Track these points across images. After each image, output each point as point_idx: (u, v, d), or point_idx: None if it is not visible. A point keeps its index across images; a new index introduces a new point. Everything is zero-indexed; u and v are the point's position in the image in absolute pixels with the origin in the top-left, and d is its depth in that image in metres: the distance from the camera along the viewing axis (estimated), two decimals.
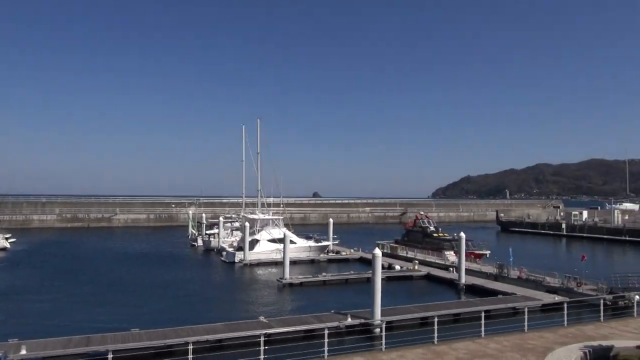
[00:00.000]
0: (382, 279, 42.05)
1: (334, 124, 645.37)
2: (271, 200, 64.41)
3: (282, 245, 42.68)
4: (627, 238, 74.63)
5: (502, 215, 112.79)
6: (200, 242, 66.58)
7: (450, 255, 48.68)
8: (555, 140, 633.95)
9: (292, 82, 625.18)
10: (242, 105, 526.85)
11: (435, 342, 16.06)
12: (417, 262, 46.32)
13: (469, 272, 41.43)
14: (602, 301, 20.21)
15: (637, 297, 28.79)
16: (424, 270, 44.46)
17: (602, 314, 19.76)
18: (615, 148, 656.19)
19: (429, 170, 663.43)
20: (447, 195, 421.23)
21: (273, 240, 53.15)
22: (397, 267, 45.98)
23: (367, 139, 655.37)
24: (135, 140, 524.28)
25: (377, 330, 25.86)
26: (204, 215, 75.54)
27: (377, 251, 26.05)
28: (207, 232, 68.40)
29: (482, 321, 17.48)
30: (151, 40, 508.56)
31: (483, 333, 17.09)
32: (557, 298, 31.35)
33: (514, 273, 39.60)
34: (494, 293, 34.63)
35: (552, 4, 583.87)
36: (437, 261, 48.57)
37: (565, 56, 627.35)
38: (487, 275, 41.09)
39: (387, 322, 25.87)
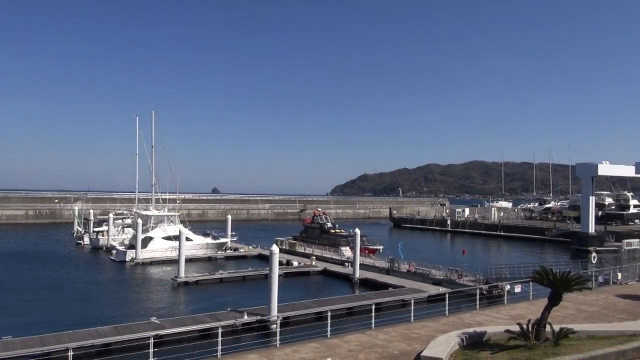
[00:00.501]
0: (280, 275, 42.27)
1: (237, 120, 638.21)
2: (167, 196, 61.85)
3: (177, 242, 41.25)
4: (502, 233, 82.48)
5: (394, 212, 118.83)
6: (87, 240, 62.07)
7: (346, 251, 50.31)
8: (443, 142, 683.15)
9: (191, 73, 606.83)
10: (137, 95, 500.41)
11: (329, 336, 16.55)
12: (314, 258, 47.26)
13: (363, 266, 43.13)
14: (478, 291, 22.14)
15: (507, 286, 32.01)
16: (321, 265, 45.50)
17: (477, 303, 21.70)
18: (493, 151, 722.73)
19: (328, 169, 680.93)
20: (345, 192, 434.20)
21: (168, 238, 51.15)
22: (295, 263, 46.56)
23: (267, 136, 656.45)
24: (9, 128, 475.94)
25: (274, 326, 26.04)
26: (91, 211, 70.47)
27: (275, 248, 26.20)
28: (95, 229, 63.95)
29: (373, 314, 18.35)
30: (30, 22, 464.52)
31: (373, 325, 17.94)
32: (440, 289, 33.73)
33: (404, 267, 41.96)
34: (385, 286, 36.37)
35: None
36: (333, 257, 49.97)
37: (454, 66, 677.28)
38: (379, 270, 43.09)
39: (284, 318, 26.10)
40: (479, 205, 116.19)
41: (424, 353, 13.73)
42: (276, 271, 25.87)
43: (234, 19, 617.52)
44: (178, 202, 64.27)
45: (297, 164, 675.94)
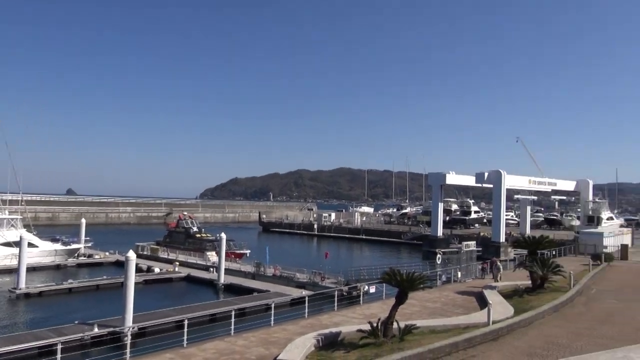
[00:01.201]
0: (139, 283, 39.98)
1: (99, 115, 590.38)
2: (8, 197, 54.84)
3: (17, 249, 36.76)
4: (364, 237, 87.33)
5: (264, 216, 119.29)
6: None
7: (212, 256, 49.21)
8: (313, 148, 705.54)
9: (47, 67, 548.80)
10: None
11: (185, 345, 15.95)
12: (177, 263, 45.45)
13: (229, 271, 42.51)
14: (336, 292, 23.08)
15: (366, 287, 33.88)
16: (185, 271, 43.89)
17: (336, 304, 22.63)
18: (359, 159, 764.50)
19: (199, 172, 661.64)
20: (216, 196, 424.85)
21: (7, 244, 45.32)
22: (157, 270, 44.33)
23: (140, 138, 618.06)
24: None
25: (127, 338, 24.43)
26: None
27: (131, 254, 24.66)
28: None
29: (233, 319, 18.11)
30: None
31: (233, 331, 17.71)
32: (303, 292, 34.50)
33: (270, 271, 42.26)
34: (250, 291, 36.27)
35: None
36: (198, 262, 48.52)
37: (318, 80, 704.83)
38: (245, 274, 42.85)
39: (139, 329, 24.63)
40: (344, 210, 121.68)
41: (280, 357, 13.90)
42: (132, 278, 24.35)
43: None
44: (22, 203, 57.37)
45: (167, 167, 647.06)
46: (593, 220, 61.80)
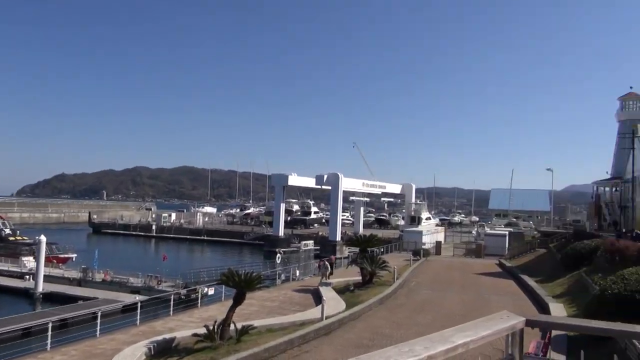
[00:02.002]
0: None
1: None
2: None
3: None
4: (206, 237, 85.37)
5: (95, 216, 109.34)
6: None
7: (29, 262, 43.48)
8: (153, 145, 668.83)
9: None
10: None
11: None
12: None
13: (50, 278, 38.05)
14: (172, 296, 22.10)
15: (205, 289, 33.09)
16: None
17: (172, 308, 21.67)
18: (203, 158, 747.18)
19: (16, 165, 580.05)
20: (37, 194, 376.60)
21: None
22: None
23: None
24: None
25: None
26: None
27: None
28: None
29: (49, 333, 16.16)
30: None
31: (49, 346, 15.81)
32: (137, 298, 32.43)
33: (99, 276, 38.83)
34: (75, 299, 32.89)
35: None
36: (11, 269, 42.44)
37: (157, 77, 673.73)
38: (70, 281, 38.74)
39: None
40: (185, 210, 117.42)
41: None
42: None
43: None
44: None
45: None
46: (415, 220, 69.13)
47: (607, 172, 58.39)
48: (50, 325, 16.45)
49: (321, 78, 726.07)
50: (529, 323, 2.73)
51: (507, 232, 54.89)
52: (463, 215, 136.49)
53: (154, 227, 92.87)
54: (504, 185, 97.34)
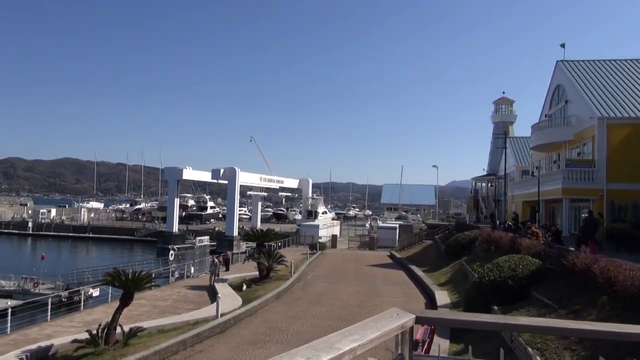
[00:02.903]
0: None
1: None
2: None
3: None
4: (91, 235, 79.40)
5: None
6: None
7: None
8: (28, 134, 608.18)
9: None
10: None
11: None
12: None
13: None
14: (50, 300, 20.16)
15: (90, 290, 30.75)
16: None
17: (49, 313, 19.75)
18: (87, 150, 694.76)
19: None
20: None
21: None
22: None
23: None
24: None
25: None
26: None
27: None
28: None
29: None
30: None
31: None
32: (9, 302, 29.24)
33: None
34: None
35: None
36: None
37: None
38: None
39: None
40: (66, 206, 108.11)
41: None
42: None
43: None
44: None
45: None
46: (311, 214, 70.33)
47: (483, 169, 64.06)
48: None
49: (217, 68, 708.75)
50: (419, 320, 2.76)
51: (397, 225, 57.84)
52: (357, 210, 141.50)
53: (30, 224, 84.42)
54: (394, 181, 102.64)
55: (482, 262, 22.62)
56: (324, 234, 56.46)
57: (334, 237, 54.89)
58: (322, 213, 73.04)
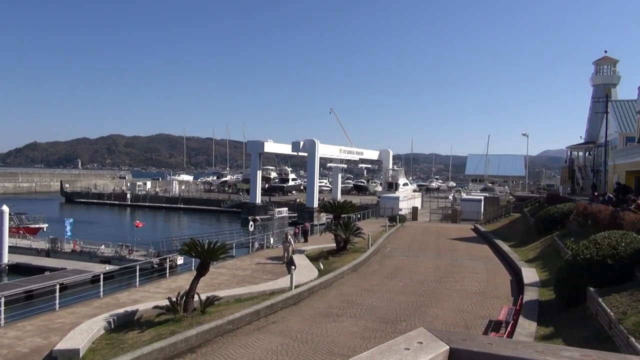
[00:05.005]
0: None
1: None
2: None
3: None
4: (182, 205, 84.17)
5: (67, 185, 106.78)
6: None
7: None
8: (128, 112, 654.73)
9: None
10: None
11: None
12: None
13: (16, 250, 36.92)
14: (138, 267, 21.30)
15: (179, 258, 32.42)
16: None
17: (137, 279, 20.92)
18: (179, 125, 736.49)
19: None
20: (9, 163, 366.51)
21: None
22: None
23: None
24: None
25: None
26: None
27: None
28: None
29: (2, 308, 15.32)
30: None
31: (2, 322, 15.00)
32: (108, 267, 31.62)
33: (69, 247, 37.78)
34: (42, 270, 31.91)
35: None
36: None
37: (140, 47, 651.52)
38: (38, 252, 37.62)
39: None
40: (160, 179, 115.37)
41: (58, 346, 12.12)
42: None
43: None
44: None
45: None
46: (392, 186, 69.02)
47: (580, 137, 58.83)
48: (2, 300, 15.55)
49: (297, 43, 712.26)
50: (454, 353, 1.75)
51: (482, 197, 55.15)
52: (441, 181, 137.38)
53: (128, 195, 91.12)
54: (480, 151, 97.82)
55: (576, 237, 20.67)
56: (405, 206, 55.23)
57: (414, 209, 53.54)
58: (403, 185, 71.43)
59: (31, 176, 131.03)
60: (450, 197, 73.60)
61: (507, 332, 12.08)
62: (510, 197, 66.48)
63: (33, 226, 47.54)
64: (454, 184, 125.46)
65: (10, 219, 40.32)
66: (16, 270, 33.56)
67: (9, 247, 34.74)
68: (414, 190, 75.85)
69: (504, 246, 29.29)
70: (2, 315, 15.18)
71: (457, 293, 18.20)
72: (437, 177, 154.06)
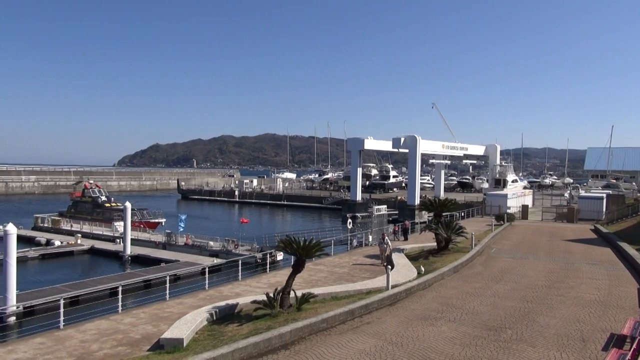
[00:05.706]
0: (35, 258, 36.96)
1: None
2: None
3: None
4: (285, 202, 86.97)
5: (183, 183, 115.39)
6: None
7: (121, 226, 46.52)
8: (236, 114, 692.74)
9: None
10: None
11: (61, 327, 14.44)
12: (79, 235, 42.41)
13: (137, 242, 40.49)
14: (240, 261, 22.12)
15: (278, 254, 33.31)
16: (88, 244, 41.11)
17: (240, 273, 21.74)
18: (283, 125, 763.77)
19: (116, 138, 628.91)
20: (135, 163, 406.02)
21: None
22: (57, 243, 41.19)
23: (47, 102, 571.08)
24: None
25: (12, 319, 22.36)
26: None
27: (11, 227, 22.14)
28: None
29: (120, 295, 16.74)
30: None
31: (120, 308, 16.38)
32: (215, 261, 33.50)
33: (182, 240, 40.62)
34: (158, 262, 34.64)
35: None
36: (105, 233, 45.70)
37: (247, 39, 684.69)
38: (155, 244, 40.94)
39: (26, 308, 22.69)
40: (265, 177, 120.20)
41: (164, 335, 12.87)
42: (13, 255, 21.96)
43: None
44: None
45: (81, 134, 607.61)
46: (499, 182, 65.20)
47: None
48: (120, 288, 17.00)
49: (395, 38, 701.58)
50: None
51: (604, 195, 50.00)
52: (555, 177, 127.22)
53: (236, 192, 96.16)
54: (601, 144, 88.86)
55: None
56: (513, 204, 51.85)
57: (524, 207, 50.00)
58: (512, 181, 67.18)
59: (153, 175, 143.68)
60: (566, 195, 67.74)
61: (632, 349, 10.60)
62: (639, 194, 59.56)
63: (153, 221, 51.85)
64: (571, 180, 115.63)
65: (134, 214, 44.28)
66: (137, 260, 36.81)
67: (131, 239, 38.20)
68: (524, 187, 71.09)
69: (631, 250, 26.16)
70: (120, 303, 16.55)
71: (572, 300, 16.51)
72: (551, 173, 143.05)
